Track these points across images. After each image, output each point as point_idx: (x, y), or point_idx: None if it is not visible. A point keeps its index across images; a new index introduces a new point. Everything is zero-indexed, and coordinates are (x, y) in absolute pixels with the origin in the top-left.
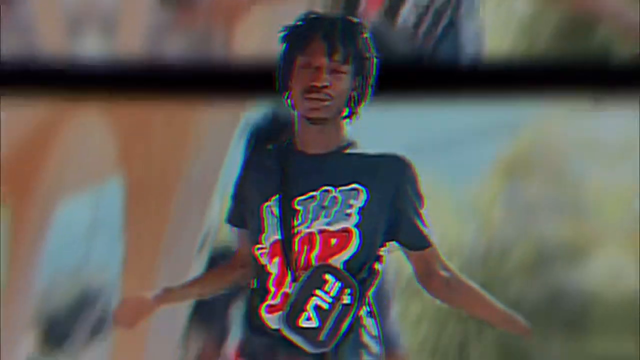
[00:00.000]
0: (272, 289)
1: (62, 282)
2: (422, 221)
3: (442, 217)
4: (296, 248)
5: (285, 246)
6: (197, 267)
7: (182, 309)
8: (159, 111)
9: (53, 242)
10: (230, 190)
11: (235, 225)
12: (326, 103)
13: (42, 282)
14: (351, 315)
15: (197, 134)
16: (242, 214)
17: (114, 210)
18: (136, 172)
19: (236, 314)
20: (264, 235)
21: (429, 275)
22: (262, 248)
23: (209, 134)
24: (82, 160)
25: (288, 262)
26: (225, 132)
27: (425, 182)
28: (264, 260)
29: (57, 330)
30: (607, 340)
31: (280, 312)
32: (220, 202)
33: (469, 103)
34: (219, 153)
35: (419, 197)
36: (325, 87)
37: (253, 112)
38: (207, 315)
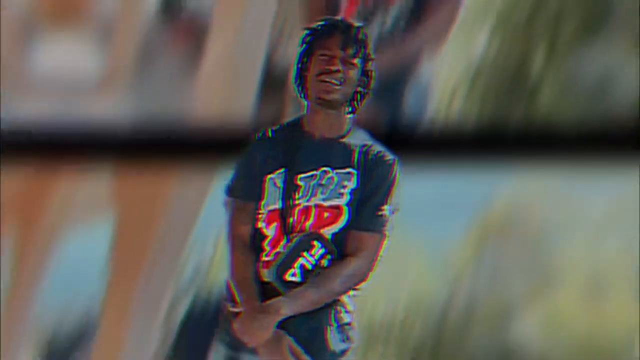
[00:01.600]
0: (267, 248)
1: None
2: (383, 213)
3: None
4: (295, 217)
5: (285, 214)
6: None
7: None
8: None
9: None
10: (235, 169)
11: (238, 197)
12: (337, 87)
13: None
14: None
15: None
16: (248, 185)
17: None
18: (124, 216)
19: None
20: (263, 202)
21: (352, 253)
22: (260, 213)
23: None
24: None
25: (285, 227)
26: (197, 193)
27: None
28: (260, 224)
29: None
30: None
31: (271, 266)
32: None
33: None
34: (190, 215)
35: (390, 195)
36: (338, 71)
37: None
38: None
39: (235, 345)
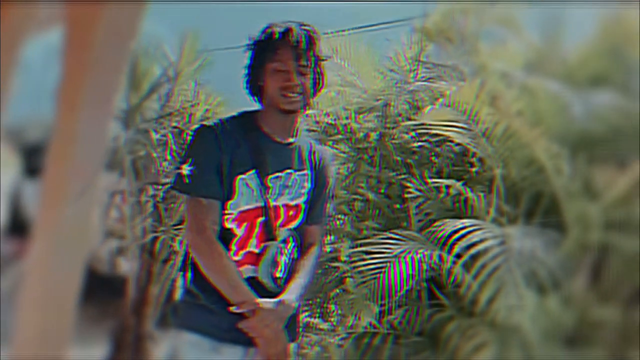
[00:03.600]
0: (234, 248)
1: None
2: (326, 207)
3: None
4: (271, 216)
5: (265, 213)
6: None
7: None
8: None
9: None
10: (193, 164)
11: (206, 196)
12: (299, 98)
13: None
14: (294, 264)
15: None
16: (213, 182)
17: None
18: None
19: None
20: (231, 202)
21: (312, 243)
22: (229, 213)
23: None
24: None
25: (267, 226)
26: None
27: None
28: (229, 224)
29: None
30: None
31: (261, 265)
32: None
33: None
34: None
35: (331, 186)
36: (297, 85)
37: None
38: None
39: (220, 336)
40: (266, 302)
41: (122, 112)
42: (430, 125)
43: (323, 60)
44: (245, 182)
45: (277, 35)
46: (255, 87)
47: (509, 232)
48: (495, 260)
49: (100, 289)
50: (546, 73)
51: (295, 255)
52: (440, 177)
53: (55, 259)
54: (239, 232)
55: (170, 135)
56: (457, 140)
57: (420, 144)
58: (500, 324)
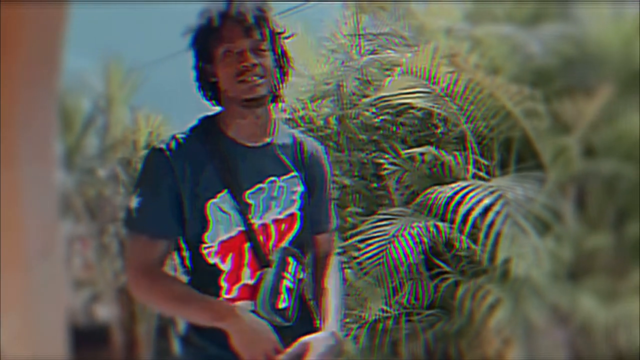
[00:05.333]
0: (224, 285)
1: None
2: (330, 208)
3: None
4: (259, 239)
5: (250, 238)
6: None
7: None
8: None
9: None
10: (147, 194)
11: (152, 234)
12: (260, 81)
13: None
14: (302, 286)
15: None
16: (170, 218)
17: None
18: None
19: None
20: (208, 233)
21: (327, 253)
22: (209, 247)
23: None
24: None
25: (258, 252)
26: None
27: None
28: (212, 259)
29: None
30: None
31: (259, 297)
32: None
33: None
34: None
35: (329, 184)
36: (255, 65)
37: None
38: None
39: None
40: (317, 340)
41: (61, 155)
42: (392, 96)
43: (281, 34)
44: (218, 206)
45: (216, 15)
46: (208, 86)
47: (501, 184)
48: (499, 215)
49: (82, 343)
50: (487, 20)
51: (301, 275)
52: (408, 147)
53: (33, 331)
54: (226, 266)
55: (118, 168)
56: (419, 106)
57: (381, 118)
58: (510, 277)
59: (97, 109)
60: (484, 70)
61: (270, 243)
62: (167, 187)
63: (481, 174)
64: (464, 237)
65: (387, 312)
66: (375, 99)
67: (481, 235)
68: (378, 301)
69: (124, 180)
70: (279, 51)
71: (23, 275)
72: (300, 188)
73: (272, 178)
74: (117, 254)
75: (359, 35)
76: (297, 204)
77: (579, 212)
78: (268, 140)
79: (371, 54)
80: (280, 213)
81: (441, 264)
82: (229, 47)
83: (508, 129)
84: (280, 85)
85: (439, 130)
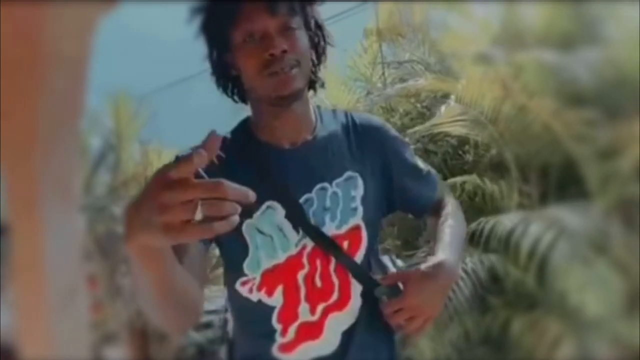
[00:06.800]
0: (277, 327)
1: None
2: (420, 180)
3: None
4: (307, 266)
5: (303, 262)
6: None
7: None
8: None
9: None
10: None
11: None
12: (293, 71)
13: None
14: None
15: None
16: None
17: None
18: None
19: None
20: (245, 263)
21: (439, 206)
22: (248, 281)
23: None
24: None
25: (314, 283)
26: None
27: None
28: (255, 297)
29: None
30: None
31: (326, 337)
32: None
33: None
34: None
35: (406, 155)
36: (285, 52)
37: None
38: None
39: None
40: (416, 272)
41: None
42: (446, 124)
43: (312, 4)
44: (256, 227)
45: None
46: (228, 82)
47: (557, 214)
48: (558, 245)
49: None
50: (517, 44)
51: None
52: (444, 176)
53: None
54: (274, 300)
55: None
56: (456, 133)
57: (414, 146)
58: (569, 310)
59: (107, 146)
60: (528, 94)
61: (331, 267)
62: None
63: (525, 202)
64: (519, 270)
65: (437, 351)
66: (430, 127)
67: (538, 266)
68: (428, 341)
69: None
70: (313, 25)
71: (42, 331)
72: (360, 191)
73: (321, 184)
74: (130, 293)
75: (382, 63)
76: (360, 213)
77: (629, 239)
78: (311, 136)
79: (396, 82)
80: (338, 228)
81: (492, 298)
82: (251, 30)
83: (549, 154)
84: (318, 68)
85: (470, 158)
